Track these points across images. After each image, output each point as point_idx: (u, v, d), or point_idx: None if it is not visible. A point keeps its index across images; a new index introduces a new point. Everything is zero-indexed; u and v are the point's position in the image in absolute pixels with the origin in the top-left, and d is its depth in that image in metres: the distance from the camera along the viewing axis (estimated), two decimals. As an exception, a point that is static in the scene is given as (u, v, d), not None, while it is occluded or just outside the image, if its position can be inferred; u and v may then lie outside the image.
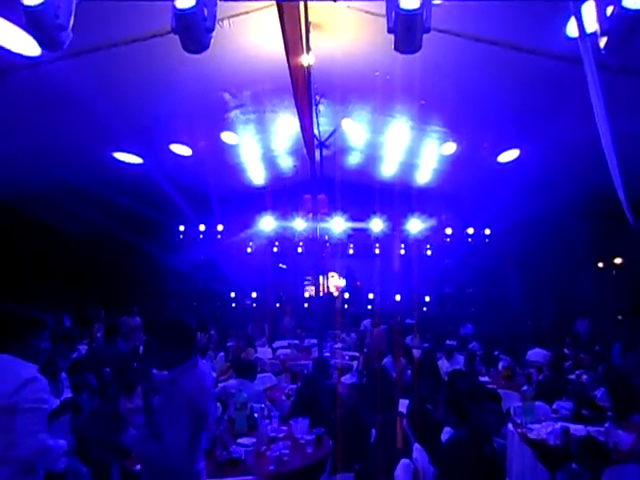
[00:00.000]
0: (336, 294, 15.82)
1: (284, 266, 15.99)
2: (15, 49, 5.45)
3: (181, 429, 2.25)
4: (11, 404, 2.23)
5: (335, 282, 16.11)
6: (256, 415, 3.99)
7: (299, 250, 14.81)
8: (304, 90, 6.11)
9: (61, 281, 12.06)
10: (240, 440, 3.59)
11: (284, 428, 3.97)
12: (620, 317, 14.35)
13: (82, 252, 13.04)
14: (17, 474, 2.22)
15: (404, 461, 3.11)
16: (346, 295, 15.57)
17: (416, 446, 3.46)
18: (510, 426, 4.40)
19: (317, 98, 8.54)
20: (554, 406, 4.80)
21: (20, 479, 2.23)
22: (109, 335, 5.89)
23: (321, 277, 11.77)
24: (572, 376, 6.37)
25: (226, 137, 10.01)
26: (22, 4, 2.46)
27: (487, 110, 8.32)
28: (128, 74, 7.04)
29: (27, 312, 2.51)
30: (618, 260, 15.34)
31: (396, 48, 2.73)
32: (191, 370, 2.42)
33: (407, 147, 10.86)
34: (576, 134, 7.66)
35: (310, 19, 5.93)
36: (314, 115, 8.33)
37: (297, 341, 10.07)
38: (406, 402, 5.33)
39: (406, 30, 2.57)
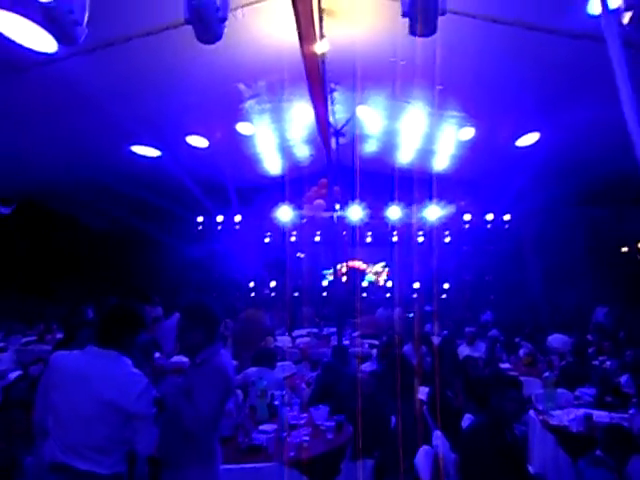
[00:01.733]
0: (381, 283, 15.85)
1: (302, 255, 16.02)
2: (32, 45, 5.51)
3: (214, 397, 2.33)
4: (133, 410, 2.30)
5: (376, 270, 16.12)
6: (276, 402, 4.03)
7: (317, 239, 14.83)
8: (318, 78, 6.06)
9: (83, 274, 12.28)
10: (261, 427, 3.64)
11: (304, 415, 4.01)
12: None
13: (103, 245, 13.26)
14: (120, 460, 2.34)
15: (425, 447, 3.11)
16: (364, 284, 15.55)
17: (436, 433, 3.46)
18: (532, 413, 4.36)
19: (332, 86, 8.48)
20: (576, 393, 4.74)
21: (120, 464, 2.34)
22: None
23: (339, 266, 11.74)
24: (595, 362, 6.29)
25: (242, 128, 10.03)
26: (38, 0, 2.49)
27: (505, 93, 8.19)
28: (143, 68, 7.09)
29: (137, 309, 2.59)
30: (642, 244, 15.05)
31: (411, 32, 2.71)
32: (218, 352, 2.52)
33: (424, 133, 10.75)
34: (598, 116, 7.50)
35: (323, 5, 5.88)
36: (329, 103, 8.28)
37: (316, 330, 10.11)
38: (426, 390, 5.35)
39: (421, 13, 2.54)
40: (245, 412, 3.79)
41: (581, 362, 5.60)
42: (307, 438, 3.41)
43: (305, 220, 10.41)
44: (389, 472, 4.14)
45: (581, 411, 3.95)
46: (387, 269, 16.19)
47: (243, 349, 7.05)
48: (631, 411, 3.86)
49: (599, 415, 3.96)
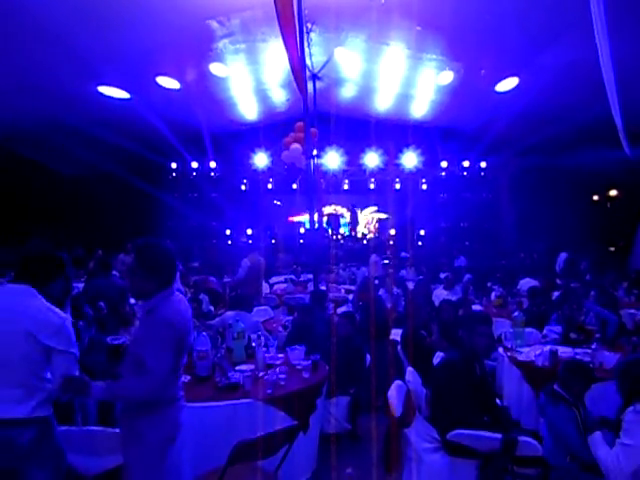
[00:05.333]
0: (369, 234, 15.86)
1: (279, 202, 15.93)
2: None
3: (164, 354, 2.21)
4: (53, 343, 2.26)
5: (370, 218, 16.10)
6: (253, 344, 4.09)
7: (294, 186, 14.71)
8: (290, 15, 5.80)
9: (54, 221, 11.99)
10: (238, 367, 3.69)
11: (281, 356, 4.08)
12: (612, 249, 14.58)
13: (75, 192, 12.89)
14: (42, 404, 2.28)
15: (397, 382, 3.21)
16: (342, 230, 15.62)
17: (409, 369, 3.57)
18: (500, 350, 4.53)
19: (308, 26, 8.15)
20: (544, 331, 4.94)
21: (43, 408, 2.29)
22: (104, 269, 5.86)
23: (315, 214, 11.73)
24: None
25: (215, 69, 9.67)
26: None
27: (486, 35, 8.04)
28: (109, 2, 6.68)
29: (54, 254, 2.49)
30: (613, 192, 15.37)
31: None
32: (168, 299, 2.33)
33: (403, 77, 10.56)
34: (578, 60, 7.42)
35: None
36: (305, 44, 7.99)
37: (293, 276, 10.20)
38: (399, 332, 5.50)
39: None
40: (222, 353, 3.83)
41: (545, 303, 5.80)
42: (283, 376, 3.48)
43: (286, 167, 10.25)
44: (363, 408, 4.30)
45: (547, 347, 4.12)
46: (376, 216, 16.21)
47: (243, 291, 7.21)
48: (593, 346, 4.04)
49: (564, 351, 4.14)
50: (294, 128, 8.64)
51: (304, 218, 14.90)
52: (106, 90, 9.72)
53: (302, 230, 15.23)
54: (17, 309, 2.25)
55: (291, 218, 15.79)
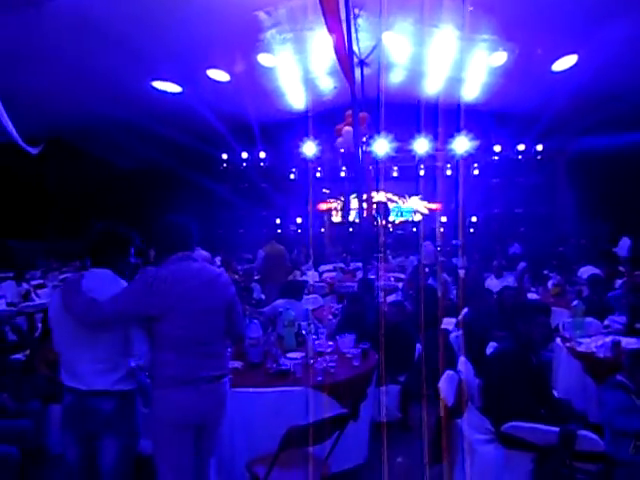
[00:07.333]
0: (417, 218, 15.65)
1: (327, 191, 15.92)
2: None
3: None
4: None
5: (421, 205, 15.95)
6: (304, 332, 4.12)
7: (342, 174, 14.67)
8: (335, 2, 5.73)
9: (112, 213, 12.50)
10: (289, 355, 3.74)
11: (331, 344, 4.08)
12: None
13: (131, 184, 13.41)
14: (123, 379, 2.40)
15: (448, 372, 3.16)
16: (391, 218, 15.45)
17: (461, 359, 3.50)
18: (558, 340, 4.35)
19: (356, 11, 8.04)
20: (606, 322, 4.69)
21: (124, 383, 2.41)
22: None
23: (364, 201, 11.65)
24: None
25: (263, 59, 9.74)
26: None
27: (540, 12, 7.65)
28: (162, 1, 6.86)
29: (125, 230, 2.60)
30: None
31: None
32: (178, 262, 2.44)
33: (453, 60, 10.24)
34: (638, 33, 6.97)
35: None
36: (353, 30, 7.89)
37: (342, 264, 10.20)
38: (452, 320, 5.39)
39: None
40: (272, 340, 3.88)
41: (606, 292, 5.50)
42: (333, 364, 3.49)
43: (341, 153, 10.22)
44: (414, 397, 4.26)
45: (609, 338, 3.92)
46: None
47: (267, 281, 7.21)
48: (661, 338, 3.82)
49: (628, 342, 3.92)
50: (344, 117, 8.59)
51: (331, 205, 14.74)
52: (160, 85, 10.01)
53: (351, 218, 15.16)
54: (99, 293, 2.35)
55: (319, 206, 15.74)
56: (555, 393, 3.36)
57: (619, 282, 6.16)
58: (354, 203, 14.40)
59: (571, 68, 9.57)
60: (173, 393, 2.33)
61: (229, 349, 2.64)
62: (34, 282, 8.68)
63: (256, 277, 7.53)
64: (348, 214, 15.35)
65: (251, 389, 3.07)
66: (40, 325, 4.86)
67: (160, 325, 2.34)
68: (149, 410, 2.43)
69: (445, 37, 9.19)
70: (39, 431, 3.49)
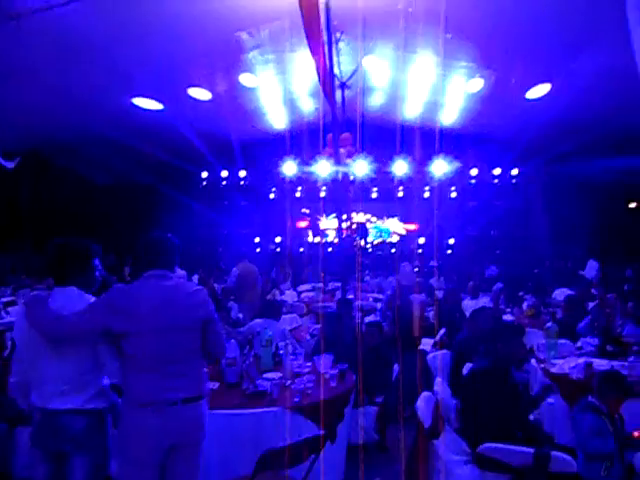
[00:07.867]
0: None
1: (307, 211, 15.98)
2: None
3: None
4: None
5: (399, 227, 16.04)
6: (281, 352, 4.10)
7: (322, 194, 14.74)
8: (317, 26, 5.83)
9: (88, 229, 12.31)
10: (266, 375, 3.71)
11: (308, 364, 4.07)
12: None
13: (108, 201, 13.24)
14: (93, 397, 2.36)
15: (425, 393, 3.17)
16: (370, 238, 15.56)
17: (437, 380, 3.52)
18: (533, 362, 4.42)
19: (337, 35, 8.20)
20: (579, 343, 4.79)
21: (95, 401, 2.36)
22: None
23: (344, 222, 11.72)
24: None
25: (245, 79, 9.80)
26: None
27: (517, 40, 7.92)
28: (142, 16, 6.88)
29: (83, 242, 2.53)
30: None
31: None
32: (148, 279, 2.42)
33: (432, 85, 10.49)
34: (612, 65, 7.25)
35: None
36: (334, 53, 8.03)
37: (321, 284, 10.21)
38: (429, 341, 5.42)
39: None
40: (250, 361, 3.85)
41: (580, 314, 5.61)
42: (311, 385, 3.48)
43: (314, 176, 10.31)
44: (391, 418, 4.25)
45: (582, 359, 3.99)
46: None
47: (240, 301, 7.13)
48: (631, 359, 3.89)
49: (599, 363, 4.00)
50: (334, 139, 8.70)
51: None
52: (140, 102, 9.98)
53: (330, 238, 15.22)
54: (65, 311, 2.31)
55: (298, 225, 15.76)
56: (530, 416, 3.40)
57: (591, 305, 6.29)
58: (333, 223, 14.45)
59: (545, 96, 9.88)
60: (136, 414, 2.27)
61: (205, 369, 2.57)
62: (4, 299, 8.45)
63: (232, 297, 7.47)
64: (323, 235, 15.43)
65: (227, 411, 3.03)
66: (10, 344, 4.73)
67: (126, 343, 2.29)
68: (117, 430, 2.38)
69: (424, 63, 9.41)
70: (5, 454, 3.38)
